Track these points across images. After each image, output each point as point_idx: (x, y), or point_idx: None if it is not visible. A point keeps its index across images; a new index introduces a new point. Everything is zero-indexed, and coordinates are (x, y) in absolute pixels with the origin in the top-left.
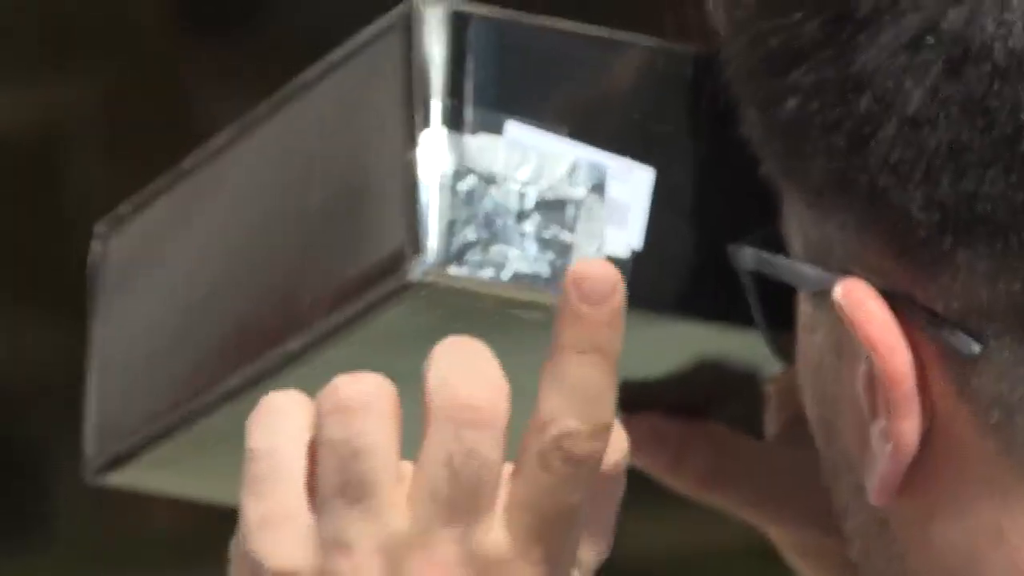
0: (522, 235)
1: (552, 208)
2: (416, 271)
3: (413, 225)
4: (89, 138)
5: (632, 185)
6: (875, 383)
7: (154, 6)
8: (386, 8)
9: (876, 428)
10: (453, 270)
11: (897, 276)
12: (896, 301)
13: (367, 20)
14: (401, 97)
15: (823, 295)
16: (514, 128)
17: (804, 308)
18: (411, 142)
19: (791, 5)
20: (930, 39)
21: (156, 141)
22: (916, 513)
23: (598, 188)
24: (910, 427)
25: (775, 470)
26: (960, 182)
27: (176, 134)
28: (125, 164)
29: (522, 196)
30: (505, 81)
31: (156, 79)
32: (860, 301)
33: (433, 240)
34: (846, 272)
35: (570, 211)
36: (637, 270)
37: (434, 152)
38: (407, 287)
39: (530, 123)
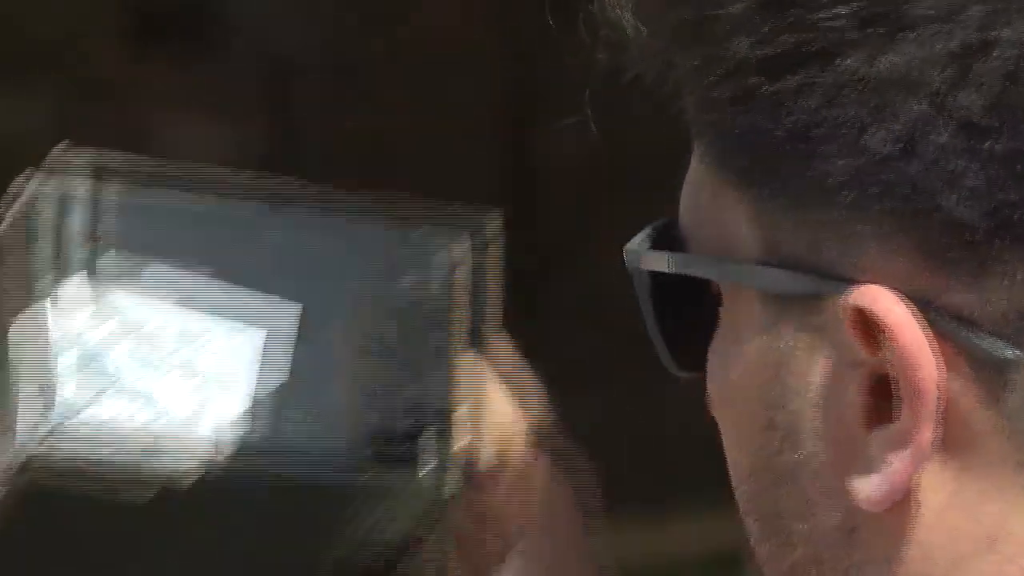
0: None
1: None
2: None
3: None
4: (41, 159)
5: (256, 337)
6: (880, 388)
7: (107, 29)
8: (339, 33)
9: (880, 434)
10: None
11: (923, 281)
12: (921, 307)
13: (317, 45)
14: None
15: (795, 299)
16: (122, 299)
17: (748, 310)
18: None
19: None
20: (989, 47)
21: None
22: (898, 520)
23: (206, 349)
24: (931, 434)
25: None
26: (1020, 188)
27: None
28: None
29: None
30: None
31: (108, 101)
32: (887, 308)
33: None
34: (840, 277)
35: (169, 374)
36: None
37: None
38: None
39: (143, 294)
